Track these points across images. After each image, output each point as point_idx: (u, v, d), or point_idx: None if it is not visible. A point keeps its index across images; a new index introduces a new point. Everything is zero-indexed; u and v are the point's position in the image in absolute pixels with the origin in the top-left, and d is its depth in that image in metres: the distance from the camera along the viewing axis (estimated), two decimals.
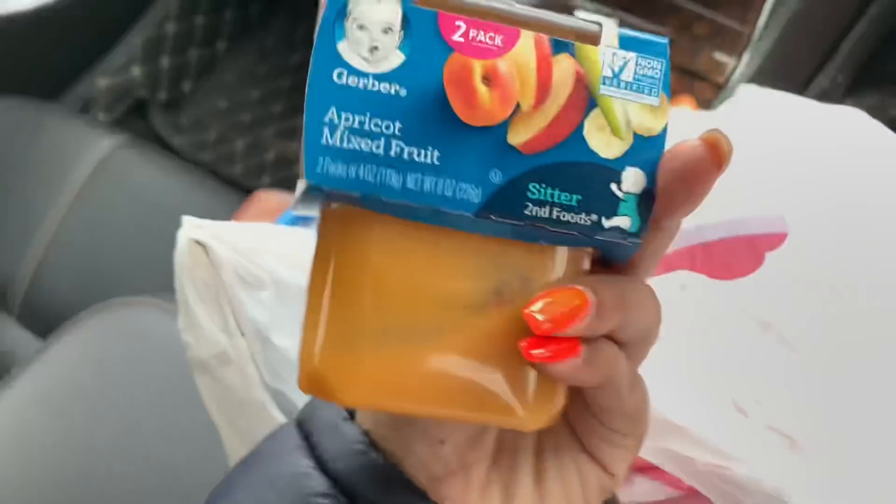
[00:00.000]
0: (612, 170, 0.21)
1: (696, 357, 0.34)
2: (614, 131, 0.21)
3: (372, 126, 0.20)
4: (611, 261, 0.23)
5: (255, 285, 0.38)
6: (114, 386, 0.51)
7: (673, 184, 0.21)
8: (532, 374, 0.22)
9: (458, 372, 0.22)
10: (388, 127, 0.20)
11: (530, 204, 0.21)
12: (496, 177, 0.21)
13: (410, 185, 0.20)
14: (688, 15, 0.67)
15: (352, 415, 0.26)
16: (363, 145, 0.20)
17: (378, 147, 0.20)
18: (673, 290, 0.37)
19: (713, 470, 0.31)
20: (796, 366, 0.33)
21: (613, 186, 0.21)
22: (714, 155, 0.21)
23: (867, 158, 0.40)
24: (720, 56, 0.66)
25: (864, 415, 0.32)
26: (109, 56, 1.12)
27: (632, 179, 0.21)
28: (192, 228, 0.38)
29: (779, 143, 0.40)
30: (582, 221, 0.21)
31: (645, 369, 0.34)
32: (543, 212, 0.21)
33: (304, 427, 0.26)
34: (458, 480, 0.24)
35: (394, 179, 0.20)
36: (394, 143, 0.20)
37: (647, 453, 0.34)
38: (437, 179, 0.21)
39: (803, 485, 0.30)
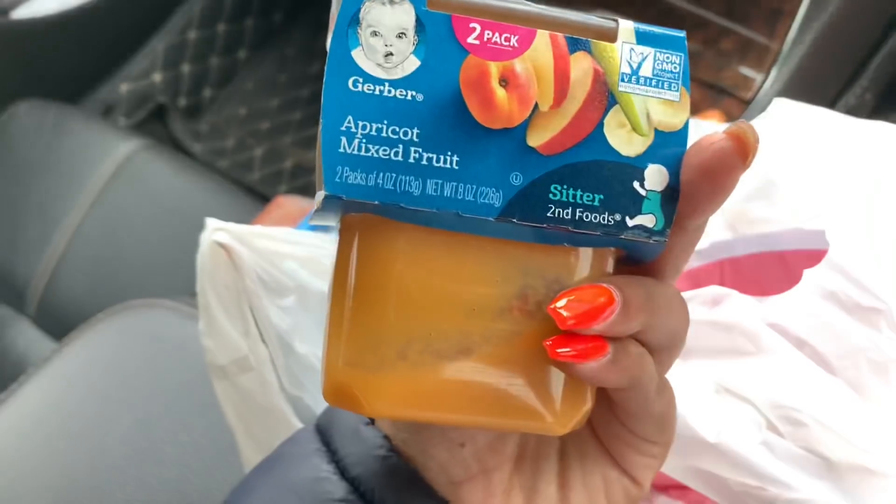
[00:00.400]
0: (634, 167, 0.21)
1: (729, 374, 0.33)
2: (635, 128, 0.21)
3: (389, 133, 0.20)
4: (636, 262, 0.23)
5: (278, 291, 0.37)
6: (127, 388, 0.51)
7: (697, 179, 0.21)
8: (558, 378, 0.22)
9: (484, 378, 0.22)
10: (405, 133, 0.20)
11: (552, 206, 0.21)
12: (517, 179, 0.21)
13: (430, 191, 0.20)
14: (715, 29, 0.67)
15: (372, 420, 0.25)
16: (381, 153, 0.20)
17: (396, 154, 0.20)
18: (705, 304, 0.36)
19: (747, 490, 0.30)
20: (833, 385, 0.32)
21: (636, 184, 0.21)
22: (740, 147, 0.20)
23: None
24: (747, 71, 0.66)
25: None
26: (131, 62, 1.12)
27: (655, 177, 0.21)
28: (215, 231, 0.37)
29: (814, 157, 0.40)
30: (605, 221, 0.21)
31: (676, 385, 0.33)
32: (566, 213, 0.21)
33: (323, 432, 0.26)
34: (479, 485, 0.24)
35: (413, 186, 0.20)
36: (412, 149, 0.20)
37: (676, 472, 0.33)
38: (457, 184, 0.20)
39: None
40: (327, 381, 0.22)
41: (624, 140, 0.21)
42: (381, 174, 0.20)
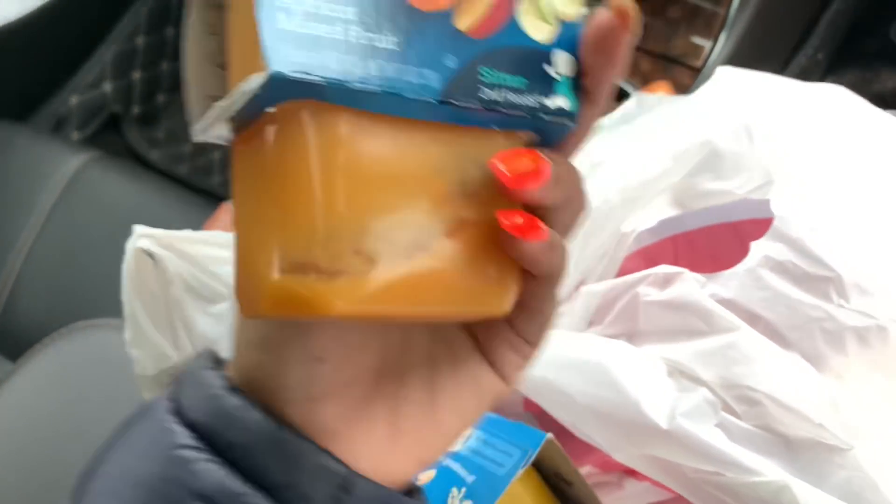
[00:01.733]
0: (544, 52, 0.22)
1: (682, 355, 0.32)
2: (542, 17, 0.22)
3: (327, 11, 0.20)
4: (546, 145, 0.24)
5: (209, 297, 0.36)
6: (78, 411, 0.49)
7: (592, 52, 0.23)
8: (498, 263, 0.23)
9: (433, 266, 0.22)
10: (343, 12, 0.20)
11: (484, 87, 0.21)
12: (451, 62, 0.21)
13: (374, 71, 0.20)
14: None
15: (221, 365, 0.25)
16: (322, 31, 0.20)
17: (336, 33, 0.20)
18: (655, 285, 0.35)
19: (703, 477, 0.29)
20: (788, 359, 0.31)
21: (547, 68, 0.22)
22: (621, 18, 0.22)
23: (850, 134, 0.38)
24: (696, 39, 0.64)
25: (866, 413, 0.30)
26: (80, 73, 1.09)
27: (562, 62, 0.22)
28: (139, 237, 0.35)
29: (759, 125, 0.38)
30: (531, 103, 0.22)
31: (629, 370, 0.32)
32: (497, 95, 0.22)
33: (172, 388, 0.25)
34: (339, 398, 0.24)
35: (357, 66, 0.20)
36: (351, 28, 0.20)
37: (632, 461, 0.32)
38: (399, 66, 0.21)
39: (800, 487, 0.28)
40: (260, 291, 0.20)
41: (535, 28, 0.22)
42: (324, 52, 0.20)
